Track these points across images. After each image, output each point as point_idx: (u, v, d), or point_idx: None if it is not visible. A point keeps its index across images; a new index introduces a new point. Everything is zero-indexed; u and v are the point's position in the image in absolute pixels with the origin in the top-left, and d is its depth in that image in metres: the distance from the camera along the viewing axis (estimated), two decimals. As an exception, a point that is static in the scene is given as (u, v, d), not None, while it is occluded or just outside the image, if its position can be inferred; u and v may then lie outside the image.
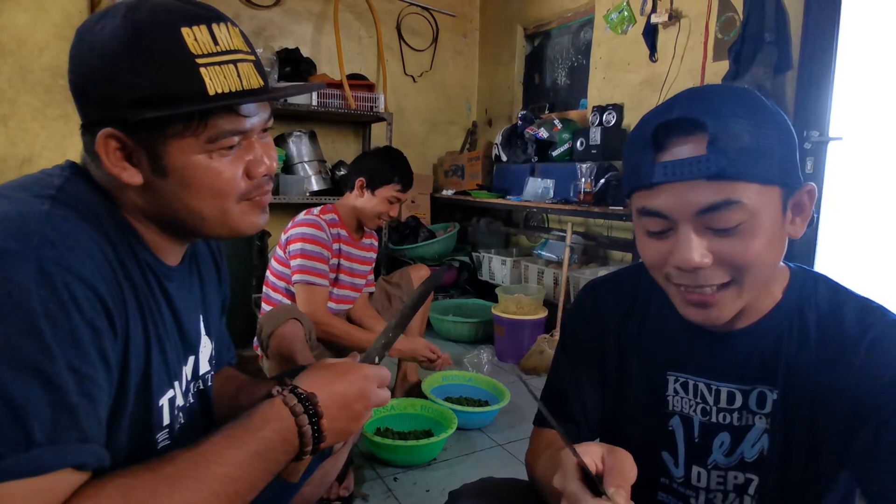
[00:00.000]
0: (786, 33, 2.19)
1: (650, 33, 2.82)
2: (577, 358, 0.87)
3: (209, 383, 0.85)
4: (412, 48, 4.03)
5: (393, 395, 2.19)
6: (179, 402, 0.74)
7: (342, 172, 3.49)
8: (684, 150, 0.62)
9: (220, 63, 0.60)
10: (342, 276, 2.03)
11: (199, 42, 0.59)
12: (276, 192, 3.15)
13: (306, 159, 3.42)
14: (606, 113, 3.03)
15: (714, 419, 0.75)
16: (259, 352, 1.88)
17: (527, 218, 3.70)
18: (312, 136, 3.47)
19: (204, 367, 0.82)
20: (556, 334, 2.68)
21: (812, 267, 1.85)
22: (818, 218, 2.15)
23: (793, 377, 0.70)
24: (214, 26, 0.60)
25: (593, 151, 2.95)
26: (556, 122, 3.21)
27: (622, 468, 0.56)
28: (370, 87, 3.56)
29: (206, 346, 0.83)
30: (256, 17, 3.51)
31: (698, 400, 0.76)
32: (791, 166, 0.63)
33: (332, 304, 1.99)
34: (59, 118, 2.67)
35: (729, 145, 0.60)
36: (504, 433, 2.04)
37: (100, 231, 0.60)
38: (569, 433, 0.82)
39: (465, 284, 3.67)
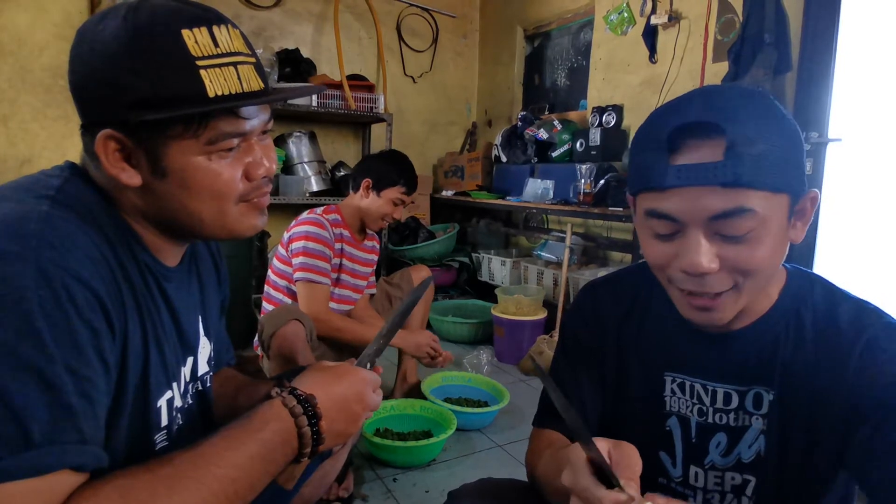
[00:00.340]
0: (785, 35, 2.19)
1: (650, 34, 2.83)
2: (576, 358, 0.87)
3: (208, 384, 0.85)
4: (412, 49, 4.04)
5: (392, 396, 2.19)
6: (178, 403, 0.74)
7: (342, 173, 3.50)
8: (699, 154, 0.61)
9: (220, 65, 0.60)
10: (344, 277, 2.03)
11: (199, 44, 0.59)
12: (275, 192, 3.15)
13: (306, 160, 3.42)
14: (606, 114, 3.03)
15: (711, 420, 0.75)
16: (259, 352, 1.88)
17: (526, 219, 3.71)
18: (312, 137, 3.48)
19: (202, 367, 0.82)
20: (556, 335, 2.68)
21: (811, 268, 1.86)
22: (817, 219, 2.16)
23: (789, 378, 0.70)
24: (215, 28, 0.60)
25: (593, 152, 2.95)
26: (556, 122, 3.21)
27: (629, 461, 0.56)
28: (370, 88, 3.56)
29: (204, 347, 0.83)
30: (256, 18, 3.51)
31: (695, 400, 0.76)
32: (800, 173, 0.63)
33: (333, 305, 1.99)
34: (59, 118, 2.67)
35: (745, 152, 0.59)
36: (503, 434, 2.04)
37: (98, 232, 0.60)
38: (566, 433, 0.82)
39: (465, 285, 3.67)
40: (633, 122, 2.99)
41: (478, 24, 4.30)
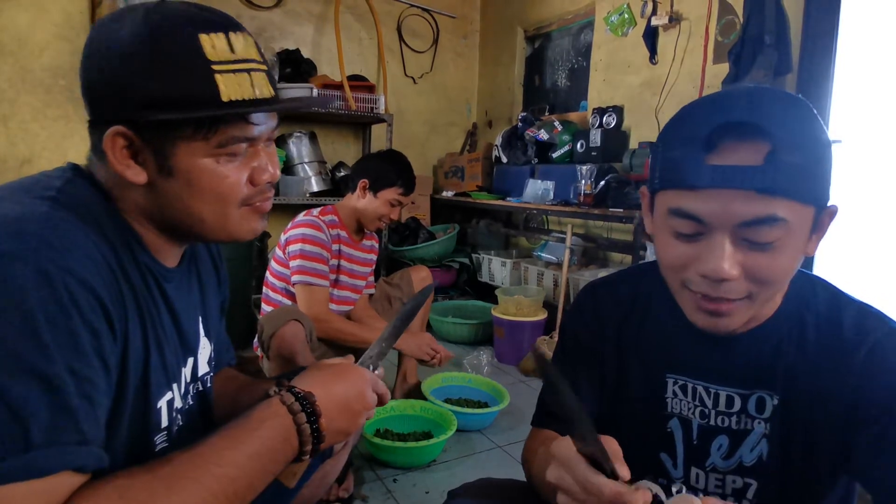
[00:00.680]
0: (786, 36, 2.19)
1: (650, 36, 2.83)
2: (576, 359, 0.87)
3: (208, 385, 0.85)
4: (412, 49, 4.04)
5: (392, 397, 2.19)
6: (178, 404, 0.74)
7: (342, 173, 3.50)
8: (738, 156, 0.58)
9: (234, 71, 0.61)
10: (342, 278, 2.03)
11: (216, 49, 0.60)
12: (276, 192, 3.13)
13: (306, 160, 3.42)
14: (606, 115, 3.03)
15: (713, 422, 0.75)
16: (259, 352, 1.88)
17: (527, 219, 3.71)
18: (312, 137, 3.48)
19: (203, 368, 0.82)
20: (556, 336, 2.68)
21: (811, 270, 1.85)
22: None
23: (792, 382, 0.70)
24: (231, 34, 0.62)
25: (593, 153, 2.95)
26: (556, 123, 3.21)
27: (616, 451, 0.56)
28: (370, 89, 3.56)
29: (204, 348, 0.83)
30: (257, 18, 3.52)
31: (697, 403, 0.76)
32: (828, 187, 0.61)
33: (332, 306, 1.99)
34: (59, 118, 2.67)
35: (785, 159, 0.57)
36: (503, 435, 2.03)
37: (99, 233, 0.60)
38: (563, 433, 0.82)
39: (465, 286, 3.67)
40: (633, 123, 3.00)
41: (478, 25, 4.30)
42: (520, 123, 3.44)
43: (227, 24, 0.62)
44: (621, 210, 2.49)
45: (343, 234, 2.01)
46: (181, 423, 0.75)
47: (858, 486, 0.74)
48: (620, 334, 0.83)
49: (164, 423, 0.70)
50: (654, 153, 0.67)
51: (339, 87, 3.39)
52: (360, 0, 3.76)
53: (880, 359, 0.65)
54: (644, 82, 2.93)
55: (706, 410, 0.75)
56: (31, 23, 2.52)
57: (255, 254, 3.00)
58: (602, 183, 2.69)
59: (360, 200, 1.99)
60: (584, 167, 2.77)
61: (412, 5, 3.95)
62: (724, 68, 2.39)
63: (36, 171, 0.66)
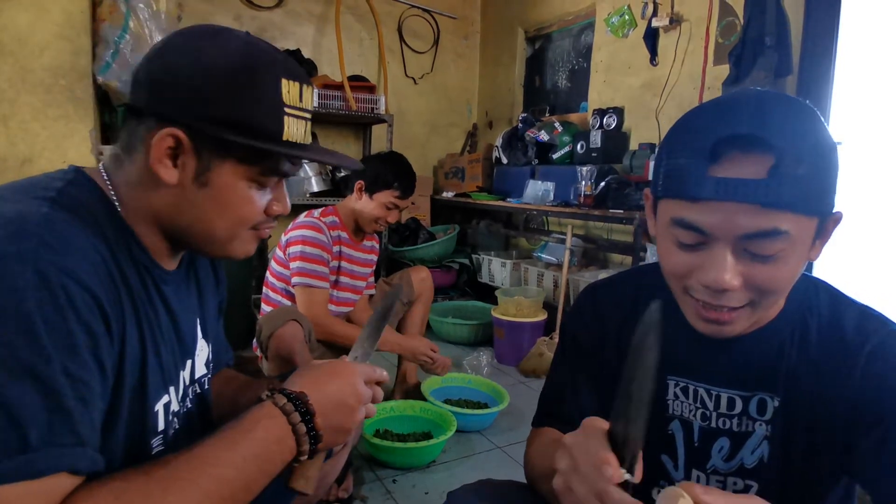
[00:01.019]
0: (786, 38, 2.19)
1: (651, 37, 2.83)
2: (575, 360, 0.87)
3: (206, 387, 0.85)
4: (413, 50, 4.04)
5: (392, 397, 2.19)
6: (175, 407, 0.74)
7: (342, 174, 3.50)
8: (742, 168, 0.58)
9: (297, 116, 0.68)
10: (342, 279, 2.02)
11: (290, 94, 0.67)
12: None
13: (307, 160, 3.42)
14: (607, 116, 3.03)
15: (714, 424, 0.74)
16: (258, 353, 1.88)
17: (527, 220, 3.71)
18: (313, 138, 3.47)
19: (200, 370, 0.82)
20: (556, 337, 2.68)
21: (811, 272, 1.86)
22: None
23: (793, 385, 0.70)
24: (304, 86, 0.69)
25: (594, 154, 2.95)
26: (557, 124, 3.21)
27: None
28: (371, 89, 3.56)
29: (202, 350, 0.83)
30: (258, 19, 3.52)
31: (698, 405, 0.75)
32: (832, 197, 0.61)
33: (332, 307, 1.99)
34: (59, 118, 2.67)
35: (789, 173, 0.56)
36: (503, 436, 2.03)
37: (98, 234, 0.61)
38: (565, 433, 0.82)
39: (465, 286, 3.67)
40: (633, 124, 3.00)
41: (479, 26, 4.31)
42: (520, 124, 3.44)
43: (302, 77, 0.70)
44: (621, 211, 2.49)
45: (344, 234, 2.01)
46: (178, 427, 0.75)
47: (858, 487, 0.74)
48: (621, 336, 0.83)
49: (161, 426, 0.70)
50: (658, 158, 0.67)
51: (340, 87, 3.39)
52: (361, 0, 3.76)
53: (882, 361, 0.65)
54: (644, 84, 2.93)
55: (707, 412, 0.75)
56: (31, 22, 2.52)
57: (255, 254, 3.00)
58: (602, 184, 2.69)
59: (357, 202, 1.99)
60: (585, 168, 2.77)
61: (413, 6, 3.95)
62: (725, 70, 2.39)
63: (36, 170, 0.66)
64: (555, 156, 3.21)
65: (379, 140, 3.78)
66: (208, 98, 0.63)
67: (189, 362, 0.78)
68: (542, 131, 3.23)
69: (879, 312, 0.70)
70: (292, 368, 0.82)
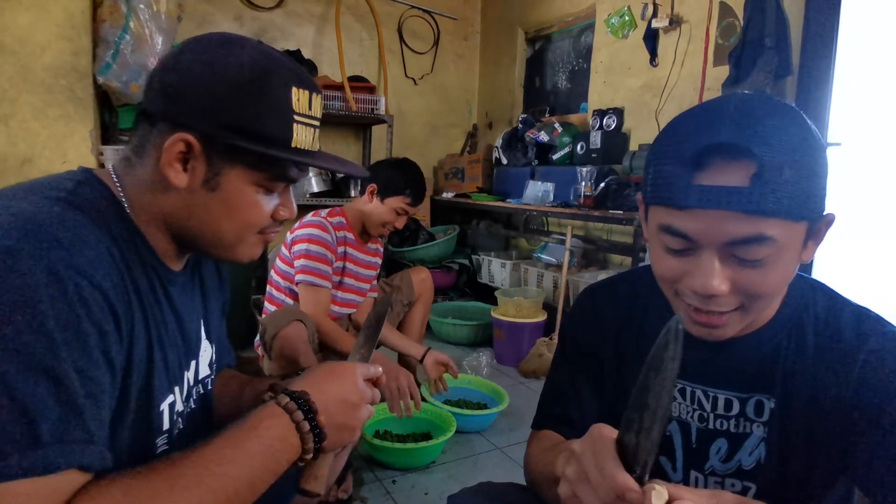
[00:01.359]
0: (786, 39, 2.20)
1: (651, 38, 2.83)
2: (575, 362, 0.87)
3: (209, 388, 0.85)
4: (413, 51, 4.04)
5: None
6: (179, 407, 0.74)
7: (341, 175, 3.50)
8: (725, 176, 0.58)
9: (306, 124, 0.70)
10: (347, 280, 2.03)
11: (300, 102, 0.69)
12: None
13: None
14: (607, 117, 3.04)
15: (711, 426, 0.75)
16: (260, 352, 1.88)
17: (526, 221, 3.71)
18: (313, 138, 3.47)
19: (204, 371, 0.83)
20: (556, 337, 2.68)
21: (809, 274, 1.85)
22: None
23: (790, 386, 0.70)
24: (313, 95, 0.71)
25: (593, 155, 2.96)
26: (557, 125, 3.21)
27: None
28: (371, 90, 3.56)
29: (206, 351, 0.84)
30: (258, 19, 3.52)
31: (696, 406, 0.76)
32: (822, 200, 0.61)
33: (335, 308, 1.99)
34: (59, 118, 2.67)
35: (772, 179, 0.57)
36: (503, 436, 2.03)
37: (108, 234, 0.62)
38: (566, 435, 0.82)
39: (465, 287, 3.67)
40: (633, 125, 3.00)
41: (479, 27, 4.31)
42: (520, 125, 3.44)
43: (312, 86, 0.71)
44: (621, 212, 2.49)
45: (350, 236, 2.01)
46: (182, 427, 0.76)
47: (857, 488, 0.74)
48: (619, 337, 0.83)
49: (166, 425, 0.71)
50: (647, 164, 0.68)
51: (340, 87, 3.39)
52: (361, 1, 3.77)
53: (879, 362, 0.65)
54: (644, 84, 2.93)
55: (705, 414, 0.75)
56: (32, 22, 2.52)
57: (255, 254, 3.00)
58: (602, 185, 2.69)
59: (367, 205, 1.99)
60: (585, 169, 2.77)
61: (413, 6, 3.95)
62: (725, 71, 2.39)
63: (36, 170, 0.67)
64: (555, 156, 3.22)
65: (379, 141, 3.78)
66: (221, 105, 0.64)
67: (193, 363, 0.79)
68: (542, 132, 3.24)
69: (877, 314, 0.70)
70: (295, 368, 0.83)
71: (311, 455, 0.68)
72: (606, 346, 0.84)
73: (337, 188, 3.47)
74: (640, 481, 0.51)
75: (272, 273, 1.99)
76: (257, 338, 1.99)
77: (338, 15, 3.62)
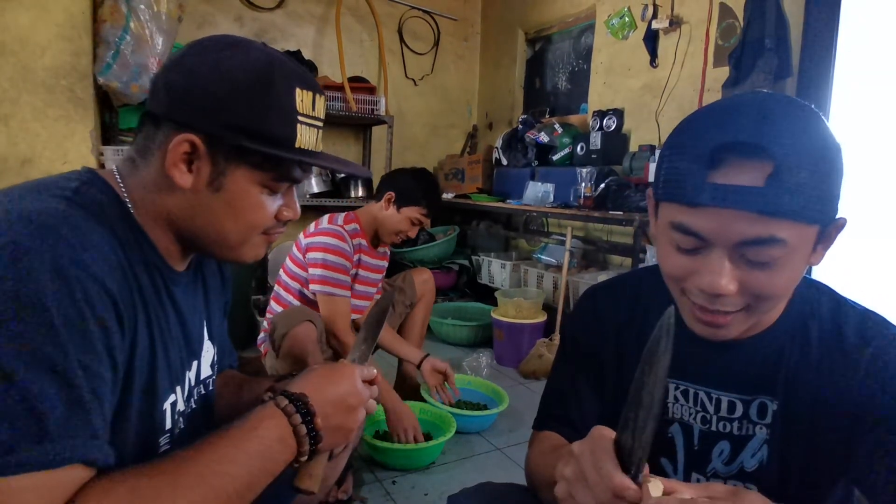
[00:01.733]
0: (786, 40, 2.20)
1: (651, 39, 2.83)
2: (576, 363, 0.87)
3: (210, 388, 0.86)
4: (413, 51, 4.04)
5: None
6: (181, 406, 0.75)
7: (342, 175, 3.50)
8: (740, 175, 0.58)
9: (309, 125, 0.71)
10: (358, 287, 2.03)
11: (303, 103, 0.69)
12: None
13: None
14: (607, 118, 3.04)
15: (714, 428, 0.75)
16: (263, 349, 1.88)
17: (526, 222, 3.71)
18: (313, 138, 3.47)
19: (205, 371, 0.83)
20: (556, 338, 2.68)
21: (810, 275, 1.86)
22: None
23: (793, 388, 0.70)
24: (316, 96, 0.72)
25: (594, 156, 2.96)
26: (557, 126, 3.22)
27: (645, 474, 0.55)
28: (371, 90, 3.56)
29: (208, 351, 0.84)
30: (259, 20, 3.52)
31: (698, 408, 0.76)
32: (835, 204, 0.60)
33: None
34: (60, 118, 2.67)
35: (788, 181, 0.56)
36: (503, 437, 2.03)
37: (112, 233, 0.62)
38: (567, 436, 0.82)
39: (465, 288, 3.67)
40: (633, 126, 3.00)
41: (479, 27, 4.31)
42: (520, 126, 3.44)
43: (315, 87, 0.72)
44: (621, 213, 2.49)
45: (364, 243, 2.01)
46: (183, 426, 0.76)
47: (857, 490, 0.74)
48: (620, 338, 0.83)
49: (168, 425, 0.71)
50: (660, 160, 0.67)
51: (340, 88, 3.39)
52: (362, 2, 3.77)
53: (883, 365, 0.65)
54: (644, 85, 2.93)
55: (708, 416, 0.75)
56: (32, 23, 2.52)
57: (255, 255, 3.00)
58: (602, 186, 2.69)
59: (382, 212, 2.00)
60: (585, 170, 2.78)
61: (413, 7, 3.95)
62: (725, 72, 2.39)
63: (36, 170, 0.67)
64: (555, 157, 3.22)
65: (379, 141, 3.78)
66: (226, 106, 0.64)
67: (195, 363, 0.80)
68: (542, 133, 3.24)
69: (881, 316, 0.70)
70: (302, 368, 0.83)
71: (306, 457, 0.69)
72: (607, 347, 0.84)
73: (337, 189, 3.47)
74: (635, 480, 0.51)
75: (281, 273, 1.99)
76: (261, 336, 1.99)
77: (338, 15, 3.62)
